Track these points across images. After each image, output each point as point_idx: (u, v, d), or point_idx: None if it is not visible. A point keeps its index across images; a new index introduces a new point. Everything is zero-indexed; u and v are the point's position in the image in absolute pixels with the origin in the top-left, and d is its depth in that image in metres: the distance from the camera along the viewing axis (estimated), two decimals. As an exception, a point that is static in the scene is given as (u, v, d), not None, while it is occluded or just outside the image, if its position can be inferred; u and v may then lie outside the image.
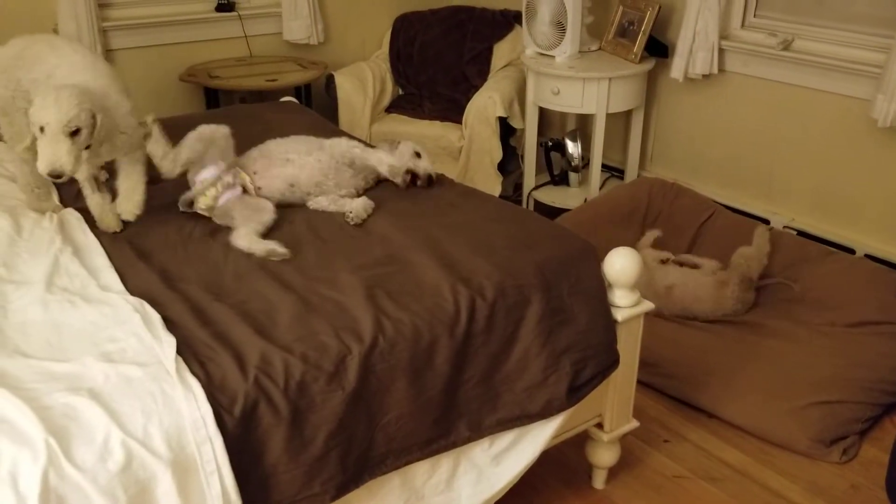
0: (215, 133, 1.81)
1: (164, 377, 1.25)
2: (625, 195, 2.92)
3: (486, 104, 3.20)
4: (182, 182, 1.83)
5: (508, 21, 3.58)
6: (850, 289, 2.41)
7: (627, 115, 3.27)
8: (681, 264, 2.55)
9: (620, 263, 1.66)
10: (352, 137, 2.10)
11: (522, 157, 3.40)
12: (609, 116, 3.05)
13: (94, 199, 1.75)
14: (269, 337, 1.37)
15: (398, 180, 1.98)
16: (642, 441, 2.09)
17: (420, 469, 1.49)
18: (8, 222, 1.74)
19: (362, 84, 3.45)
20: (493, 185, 3.25)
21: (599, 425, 1.83)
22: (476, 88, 3.37)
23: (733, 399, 2.16)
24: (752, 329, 2.41)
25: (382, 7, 3.76)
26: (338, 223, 1.79)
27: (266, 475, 1.29)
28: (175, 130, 1.81)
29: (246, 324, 1.40)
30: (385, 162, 1.94)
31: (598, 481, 1.95)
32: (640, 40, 3.00)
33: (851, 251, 2.68)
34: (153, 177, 1.94)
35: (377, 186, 2.01)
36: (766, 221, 2.87)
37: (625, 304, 1.70)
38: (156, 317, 1.39)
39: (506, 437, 1.58)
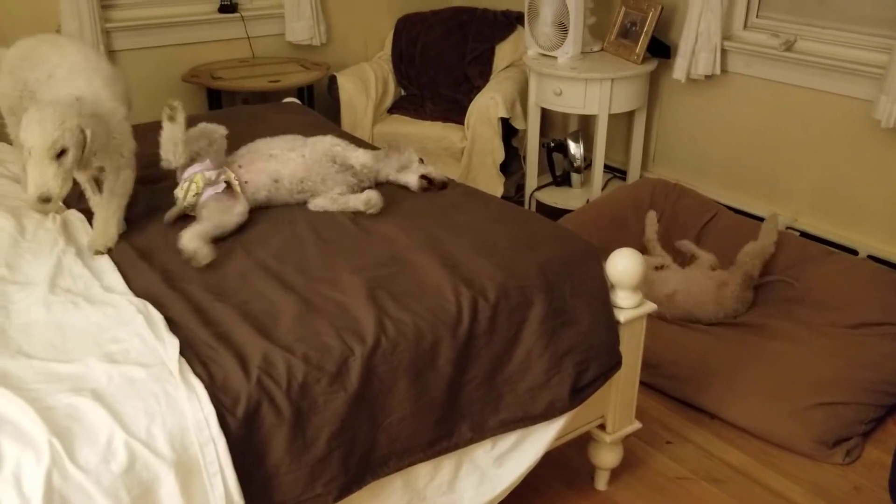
0: (216, 132, 1.82)
1: (168, 378, 1.25)
2: (627, 196, 2.92)
3: (488, 105, 3.20)
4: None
5: (510, 22, 3.58)
6: (853, 289, 2.41)
7: (630, 115, 3.26)
8: (680, 259, 2.54)
9: (623, 264, 1.66)
10: (342, 136, 2.10)
11: (524, 157, 3.40)
12: (611, 117, 3.05)
13: (95, 200, 1.75)
14: (271, 337, 1.37)
15: (368, 181, 1.96)
16: (645, 442, 2.09)
17: (422, 470, 1.49)
18: (11, 223, 1.74)
19: (364, 85, 3.46)
20: (495, 185, 3.25)
21: (602, 426, 1.83)
22: (478, 89, 3.38)
23: (736, 400, 2.16)
24: (754, 330, 2.40)
25: (384, 8, 3.76)
26: (339, 224, 1.79)
27: (268, 476, 1.29)
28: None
29: (248, 324, 1.40)
30: (360, 160, 1.92)
31: (601, 483, 1.95)
32: (643, 41, 2.99)
33: (854, 252, 2.67)
34: (154, 177, 1.95)
35: (378, 188, 2.01)
36: (769, 222, 2.87)
37: (627, 305, 1.70)
38: (159, 318, 1.39)
39: (508, 439, 1.58)
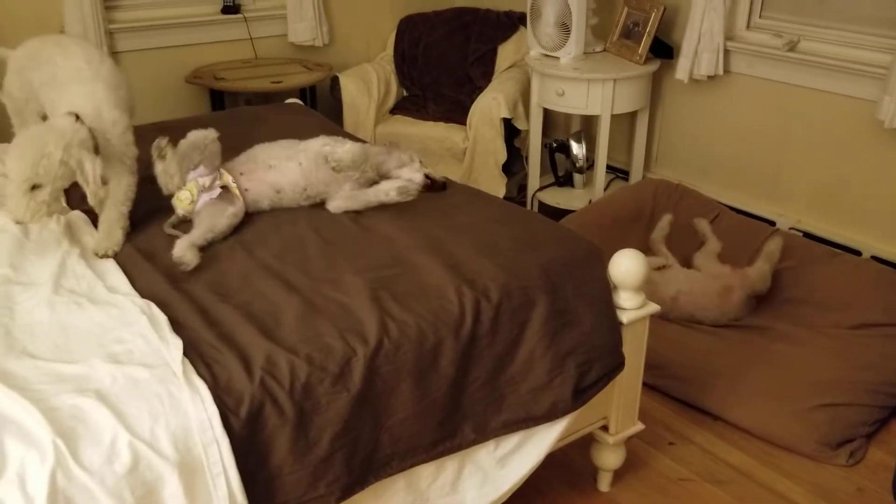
0: (206, 139, 1.78)
1: (171, 379, 1.26)
2: (629, 196, 2.92)
3: (490, 105, 3.20)
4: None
5: (513, 22, 3.58)
6: (856, 290, 2.40)
7: (632, 116, 3.26)
8: (682, 259, 2.54)
9: (626, 265, 1.66)
10: (334, 133, 2.08)
11: (527, 158, 3.40)
12: (614, 117, 3.05)
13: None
14: (274, 338, 1.37)
15: (372, 172, 1.92)
16: (647, 443, 2.09)
17: (425, 471, 1.49)
18: (15, 224, 1.74)
19: (367, 86, 3.46)
20: (497, 186, 3.25)
21: (605, 428, 1.83)
22: (480, 90, 3.38)
23: (739, 401, 2.15)
24: (757, 331, 2.40)
25: (387, 9, 3.76)
26: (341, 224, 1.79)
27: (272, 477, 1.29)
28: (181, 133, 1.81)
29: (251, 325, 1.40)
30: (339, 157, 1.85)
31: (604, 484, 1.95)
32: (645, 41, 2.99)
33: (857, 253, 2.67)
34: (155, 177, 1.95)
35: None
36: (772, 223, 2.86)
37: (630, 306, 1.70)
38: (162, 318, 1.39)
39: (511, 440, 1.58)
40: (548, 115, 3.35)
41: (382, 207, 1.84)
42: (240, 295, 1.51)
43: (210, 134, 1.78)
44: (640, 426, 1.87)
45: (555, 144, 3.31)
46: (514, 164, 3.45)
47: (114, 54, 3.17)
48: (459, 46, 3.63)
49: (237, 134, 2.09)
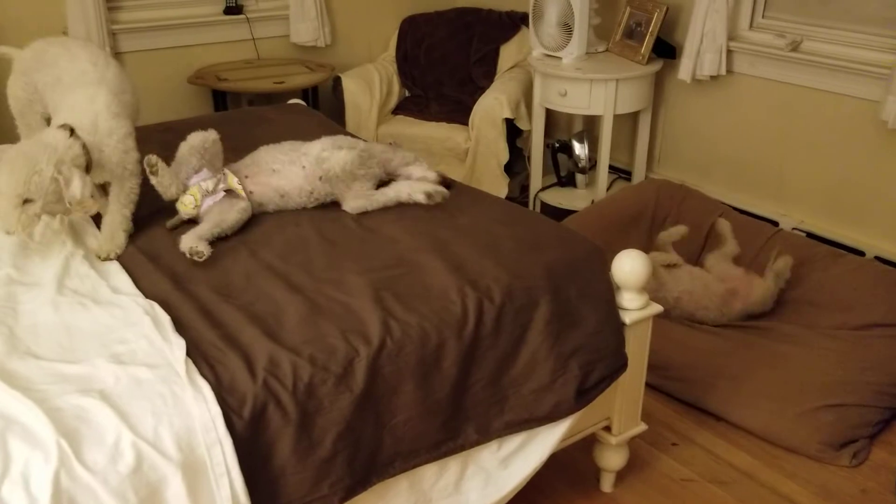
0: (206, 141, 1.77)
1: (174, 379, 1.26)
2: (632, 197, 2.91)
3: (492, 106, 3.20)
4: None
5: (515, 22, 3.58)
6: (860, 291, 2.40)
7: (635, 116, 3.26)
8: (689, 258, 2.52)
9: (629, 266, 1.66)
10: (335, 137, 2.07)
11: (529, 158, 3.40)
12: (616, 118, 3.04)
13: (102, 203, 1.75)
14: (277, 339, 1.37)
15: (379, 169, 1.92)
16: (650, 444, 2.09)
17: (428, 472, 1.49)
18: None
19: (369, 86, 3.46)
20: (499, 186, 3.25)
21: (607, 428, 1.83)
22: (482, 90, 3.38)
23: (742, 402, 2.15)
24: (760, 332, 2.40)
25: (389, 9, 3.76)
26: (343, 224, 1.79)
27: (274, 477, 1.29)
28: (183, 133, 1.81)
29: (254, 325, 1.40)
30: (329, 162, 1.83)
31: (606, 484, 1.95)
32: (648, 41, 2.99)
33: (861, 253, 2.66)
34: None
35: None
36: (775, 223, 2.86)
37: (633, 306, 1.69)
38: (166, 319, 1.39)
39: (514, 440, 1.58)
40: (550, 115, 3.35)
41: (386, 209, 1.85)
42: (243, 295, 1.51)
43: (210, 135, 1.78)
44: (642, 427, 1.87)
45: (557, 145, 3.31)
46: (516, 165, 3.45)
47: (117, 55, 3.18)
48: (461, 47, 3.64)
49: (240, 134, 2.09)
